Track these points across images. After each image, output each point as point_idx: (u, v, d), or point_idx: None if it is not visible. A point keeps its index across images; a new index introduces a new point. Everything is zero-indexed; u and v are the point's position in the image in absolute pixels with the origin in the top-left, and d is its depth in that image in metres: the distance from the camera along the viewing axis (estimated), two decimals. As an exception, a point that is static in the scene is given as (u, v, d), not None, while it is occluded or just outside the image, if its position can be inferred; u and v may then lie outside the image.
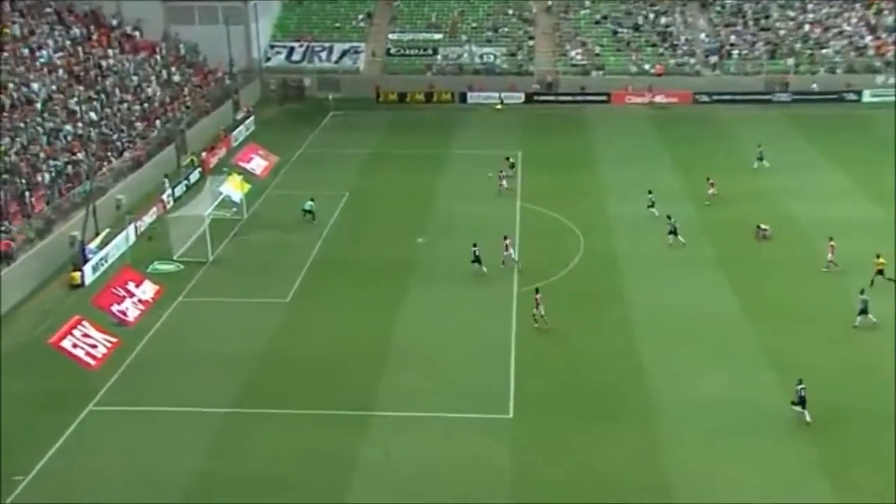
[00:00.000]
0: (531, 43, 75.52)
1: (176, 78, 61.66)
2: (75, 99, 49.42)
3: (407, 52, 75.33)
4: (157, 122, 55.87)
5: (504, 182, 50.20)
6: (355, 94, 71.58)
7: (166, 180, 50.46)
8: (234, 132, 62.07)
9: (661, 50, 73.80)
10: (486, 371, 32.00)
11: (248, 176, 49.58)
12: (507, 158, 53.71)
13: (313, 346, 34.01)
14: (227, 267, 41.53)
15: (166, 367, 32.67)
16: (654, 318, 35.56)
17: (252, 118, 65.79)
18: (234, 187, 47.01)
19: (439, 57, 74.82)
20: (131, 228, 43.94)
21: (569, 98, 70.76)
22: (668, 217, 43.26)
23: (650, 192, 46.68)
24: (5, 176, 41.65)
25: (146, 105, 56.80)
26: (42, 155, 44.76)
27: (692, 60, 72.76)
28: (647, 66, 72.36)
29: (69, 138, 47.63)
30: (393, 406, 29.81)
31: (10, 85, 48.51)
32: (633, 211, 46.88)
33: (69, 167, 45.48)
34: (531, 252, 42.01)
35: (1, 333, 35.25)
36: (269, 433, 28.64)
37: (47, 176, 43.63)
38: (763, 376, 31.10)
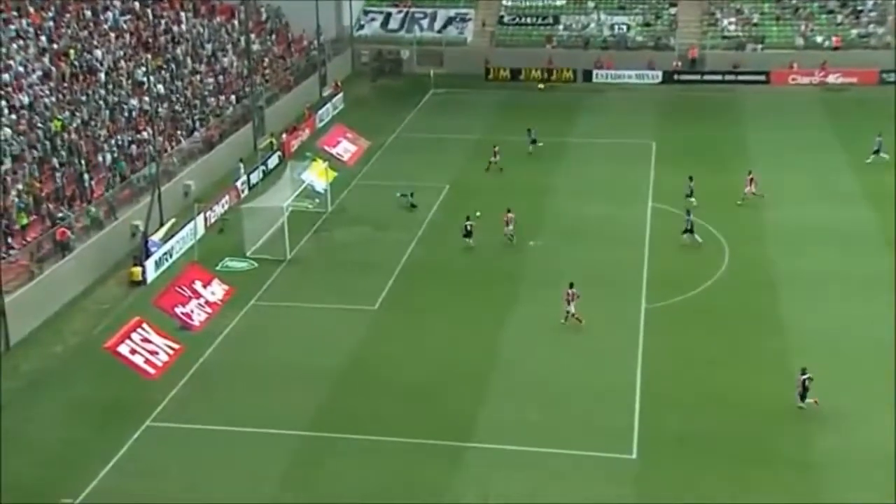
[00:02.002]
0: (673, 11, 74.51)
1: (255, 47, 63.27)
2: (143, 69, 51.21)
3: (523, 20, 75.43)
4: (233, 97, 57.43)
5: (496, 157, 51.66)
6: (461, 69, 72.05)
7: (241, 165, 51.78)
8: (320, 111, 63.26)
9: (839, 18, 71.50)
10: (606, 402, 31.71)
11: (334, 162, 50.44)
12: (529, 130, 55.30)
13: (403, 364, 34.33)
14: (306, 267, 42.31)
15: (235, 380, 33.48)
16: (816, 346, 34.49)
17: (340, 96, 66.93)
18: (317, 175, 47.90)
19: (561, 27, 74.62)
20: (200, 219, 45.25)
21: (717, 78, 69.69)
22: (687, 212, 43.05)
23: (691, 179, 46.94)
24: (63, 153, 43.45)
25: (221, 77, 58.45)
26: (104, 132, 46.55)
27: (881, 30, 70.18)
28: (819, 39, 70.32)
29: (134, 114, 49.41)
30: (494, 438, 29.82)
31: (72, 52, 50.61)
32: (793, 216, 45.76)
33: (133, 147, 47.17)
34: (663, 262, 41.50)
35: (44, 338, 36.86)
36: (349, 461, 29.02)
37: (108, 156, 45.34)
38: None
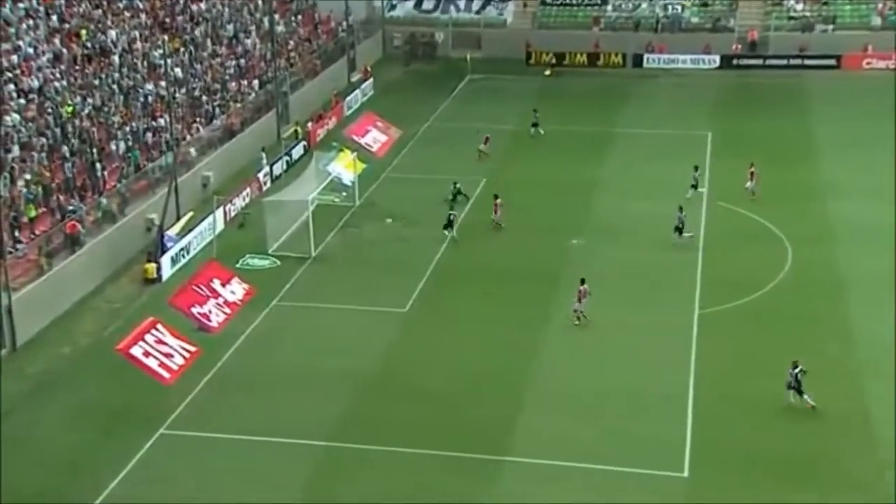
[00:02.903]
0: (733, -11, 74.10)
1: (280, 28, 63.63)
2: (159, 51, 51.69)
3: (567, 0, 75.17)
4: (256, 82, 57.82)
5: (484, 146, 53.15)
6: (500, 53, 72.12)
7: (263, 155, 52.16)
8: (348, 98, 63.58)
9: (922, -7, 70.43)
10: (654, 415, 31.65)
11: (362, 153, 50.68)
12: (535, 111, 56.67)
13: (434, 370, 34.46)
14: (332, 265, 42.57)
15: (254, 385, 33.76)
16: (888, 357, 34.15)
17: (370, 81, 67.20)
18: (345, 167, 48.19)
19: (609, 7, 74.44)
20: (219, 213, 45.63)
21: (782, 62, 69.24)
22: (680, 209, 43.15)
23: (696, 169, 47.62)
24: (74, 141, 43.90)
25: (243, 61, 58.87)
26: (117, 119, 47.03)
27: (970, 8, 69.08)
28: (897, 18, 69.47)
29: (150, 99, 49.89)
30: (532, 452, 29.86)
31: (84, 32, 51.14)
32: (864, 215, 45.37)
33: (148, 135, 47.63)
34: (719, 263, 41.33)
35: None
36: (375, 474, 29.17)
37: (122, 145, 45.80)
38: None
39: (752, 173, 47.64)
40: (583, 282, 36.89)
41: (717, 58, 69.96)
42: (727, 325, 36.78)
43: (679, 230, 42.90)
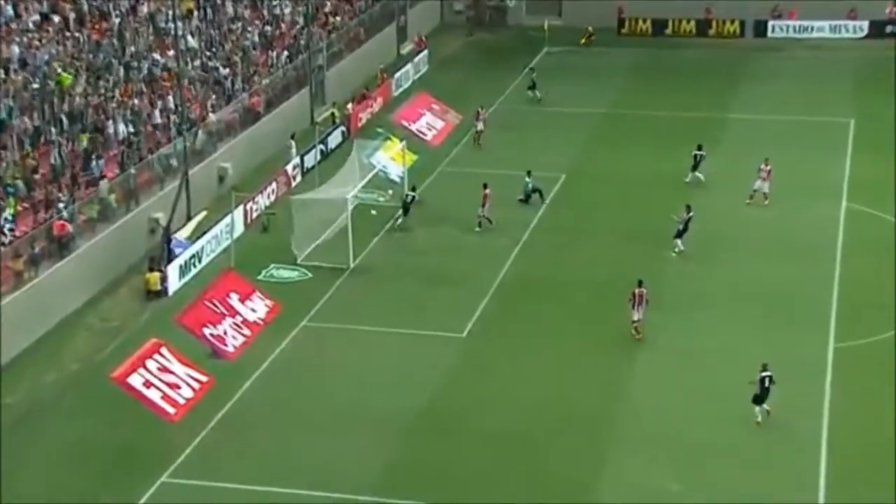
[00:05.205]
0: (886, -63, 73.27)
1: (315, -12, 64.08)
2: (168, 13, 52.15)
3: (672, -45, 75.02)
4: (285, 53, 58.19)
5: (479, 125, 54.04)
6: (584, 20, 72.20)
7: (293, 143, 52.48)
8: (397, 75, 63.80)
9: None
10: (778, 473, 31.28)
11: (413, 141, 50.81)
12: (531, 69, 59.55)
13: (498, 409, 34.39)
14: (375, 278, 42.75)
15: (277, 425, 33.87)
16: None
17: (425, 54, 67.39)
18: (392, 158, 48.35)
19: (725, -37, 74.06)
20: (239, 213, 45.99)
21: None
22: (687, 208, 43.38)
23: (700, 149, 48.56)
24: (63, 119, 44.16)
25: (270, 28, 59.28)
26: (118, 96, 47.53)
27: None
28: None
29: (157, 73, 50.38)
30: (622, 512, 29.75)
31: (79, -9, 51.86)
32: None
33: (155, 115, 48.04)
34: (861, 284, 40.86)
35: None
36: (425, 539, 29.28)
37: (122, 128, 46.25)
38: None
39: (768, 171, 47.30)
40: (640, 284, 37.10)
41: (865, 24, 69.40)
42: (873, 364, 36.30)
43: (680, 234, 43.08)
